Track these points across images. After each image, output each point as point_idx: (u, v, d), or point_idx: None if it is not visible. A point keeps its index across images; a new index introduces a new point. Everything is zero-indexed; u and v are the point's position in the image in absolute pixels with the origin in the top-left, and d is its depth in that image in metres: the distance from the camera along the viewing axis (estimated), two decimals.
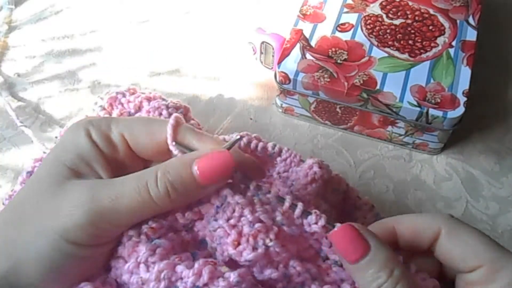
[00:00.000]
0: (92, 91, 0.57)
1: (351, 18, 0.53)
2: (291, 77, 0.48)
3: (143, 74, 0.58)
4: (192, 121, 0.43)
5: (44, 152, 0.44)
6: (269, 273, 0.29)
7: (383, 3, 0.55)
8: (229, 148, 0.31)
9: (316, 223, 0.30)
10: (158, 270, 0.28)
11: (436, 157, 0.51)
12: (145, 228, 0.30)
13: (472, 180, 0.50)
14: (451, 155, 0.52)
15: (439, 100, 0.47)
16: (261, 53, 0.55)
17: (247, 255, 0.28)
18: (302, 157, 0.39)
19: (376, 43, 0.51)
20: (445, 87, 0.48)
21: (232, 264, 0.30)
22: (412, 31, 0.52)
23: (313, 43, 0.51)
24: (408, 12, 0.54)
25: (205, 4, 0.65)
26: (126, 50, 0.60)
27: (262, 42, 0.53)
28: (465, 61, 0.50)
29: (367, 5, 0.55)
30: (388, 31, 0.52)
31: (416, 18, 0.53)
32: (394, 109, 0.47)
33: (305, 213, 0.31)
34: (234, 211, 0.30)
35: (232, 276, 0.27)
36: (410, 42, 0.51)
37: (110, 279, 0.31)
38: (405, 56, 0.50)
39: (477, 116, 0.53)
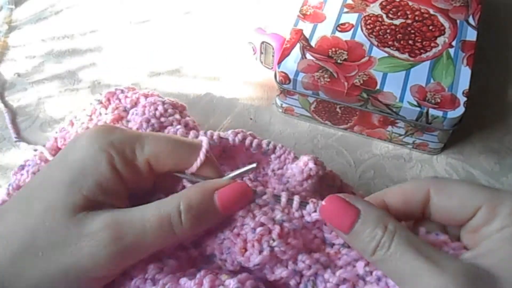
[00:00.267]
0: (92, 91, 0.57)
1: (351, 18, 0.53)
2: (291, 77, 0.48)
3: (143, 74, 0.58)
4: (187, 118, 0.43)
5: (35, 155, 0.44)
6: (280, 272, 0.30)
7: (383, 3, 0.55)
8: (242, 174, 0.32)
9: (315, 211, 0.31)
10: (163, 283, 0.29)
11: (436, 157, 0.51)
12: None
13: (472, 180, 0.50)
14: (451, 155, 0.52)
15: (439, 100, 0.47)
16: (261, 53, 0.55)
17: (254, 259, 0.29)
18: (296, 154, 0.39)
19: (376, 43, 0.51)
20: (445, 87, 0.48)
21: (244, 271, 0.30)
22: (412, 31, 0.52)
23: (313, 43, 0.51)
24: (408, 12, 0.54)
25: (205, 4, 0.65)
26: (126, 50, 0.60)
27: (262, 42, 0.53)
28: (465, 61, 0.50)
29: (367, 5, 0.55)
30: (388, 31, 0.52)
31: (416, 18, 0.53)
32: (394, 109, 0.47)
33: (303, 204, 0.31)
34: (236, 220, 0.30)
35: (232, 283, 0.28)
36: (410, 42, 0.51)
37: None
38: (405, 56, 0.50)
39: (477, 116, 0.53)
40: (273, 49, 0.53)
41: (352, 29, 0.52)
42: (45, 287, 0.27)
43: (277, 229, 0.30)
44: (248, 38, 0.55)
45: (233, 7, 0.64)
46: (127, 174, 0.29)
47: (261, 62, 0.56)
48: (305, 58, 0.50)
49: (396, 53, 0.50)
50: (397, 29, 0.52)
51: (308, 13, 0.54)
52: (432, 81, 0.48)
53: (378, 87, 0.48)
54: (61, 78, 0.58)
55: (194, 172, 0.31)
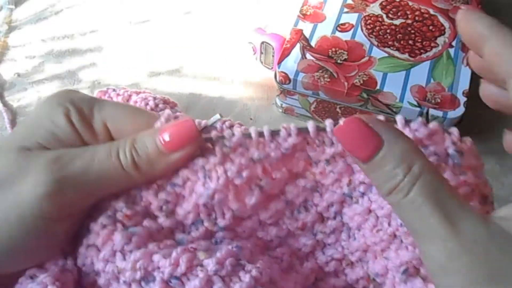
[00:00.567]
0: (92, 91, 0.57)
1: (351, 18, 0.53)
2: (291, 77, 0.48)
3: (143, 74, 0.58)
4: (178, 113, 0.43)
5: None
6: (274, 205, 0.30)
7: (383, 3, 0.55)
8: (209, 128, 0.31)
9: (289, 134, 0.30)
10: (134, 259, 0.27)
11: None
12: (119, 215, 0.29)
13: None
14: None
15: (439, 100, 0.47)
16: (261, 53, 0.55)
17: (249, 201, 0.29)
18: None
19: (376, 43, 0.51)
20: (445, 87, 0.48)
21: (238, 222, 0.30)
22: (412, 31, 0.52)
23: (313, 43, 0.51)
24: (408, 12, 0.54)
25: (205, 4, 0.65)
26: (126, 50, 0.60)
27: (262, 42, 0.53)
28: (465, 61, 0.50)
29: (367, 5, 0.55)
30: (388, 31, 0.52)
31: (416, 18, 0.53)
32: (394, 109, 0.47)
33: (275, 133, 0.30)
34: (217, 171, 0.29)
35: (211, 264, 0.27)
36: (410, 42, 0.51)
37: (69, 266, 0.30)
38: (405, 56, 0.50)
39: (477, 116, 0.53)
40: (273, 49, 0.53)
41: (352, 29, 0.52)
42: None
43: (259, 167, 0.29)
44: (248, 38, 0.55)
45: (233, 7, 0.64)
46: (82, 130, 0.29)
47: (261, 62, 0.56)
48: (305, 58, 0.50)
49: (396, 53, 0.50)
50: (397, 29, 0.52)
51: (308, 13, 0.54)
52: (432, 81, 0.48)
53: (378, 87, 0.48)
54: (61, 78, 0.58)
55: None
